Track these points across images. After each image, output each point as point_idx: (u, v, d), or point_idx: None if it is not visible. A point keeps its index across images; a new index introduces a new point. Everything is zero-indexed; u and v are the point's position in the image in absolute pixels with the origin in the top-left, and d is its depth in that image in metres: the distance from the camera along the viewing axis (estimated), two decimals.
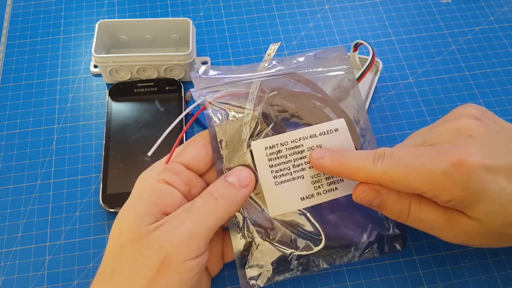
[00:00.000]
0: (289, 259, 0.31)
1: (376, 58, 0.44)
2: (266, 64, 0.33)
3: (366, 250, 0.32)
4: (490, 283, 0.34)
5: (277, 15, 0.50)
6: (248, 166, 0.31)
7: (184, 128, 0.30)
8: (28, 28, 0.50)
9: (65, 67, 0.47)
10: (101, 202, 0.37)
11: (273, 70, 0.32)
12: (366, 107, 0.41)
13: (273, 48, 0.33)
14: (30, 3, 0.51)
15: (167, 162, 0.30)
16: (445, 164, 0.26)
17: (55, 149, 0.41)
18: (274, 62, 0.33)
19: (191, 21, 0.44)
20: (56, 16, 0.50)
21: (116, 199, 0.37)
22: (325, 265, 0.31)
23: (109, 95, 0.43)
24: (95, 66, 0.46)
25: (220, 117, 0.31)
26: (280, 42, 0.33)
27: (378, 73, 0.44)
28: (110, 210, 0.37)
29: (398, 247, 0.33)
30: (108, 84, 0.45)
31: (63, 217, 0.38)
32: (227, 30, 0.49)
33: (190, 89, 0.33)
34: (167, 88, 0.44)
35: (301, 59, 0.34)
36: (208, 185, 0.31)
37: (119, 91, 0.44)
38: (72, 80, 0.46)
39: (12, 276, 0.35)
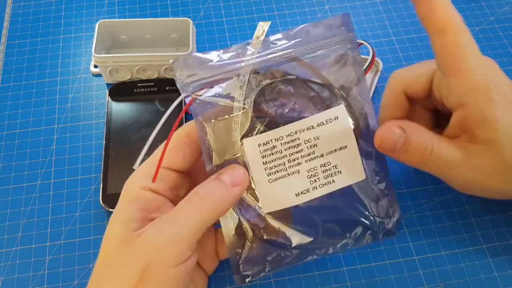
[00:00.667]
0: (282, 255, 0.30)
1: (376, 58, 0.44)
2: (257, 49, 0.29)
3: (360, 237, 0.31)
4: (490, 283, 0.34)
5: (277, 15, 0.50)
6: (241, 164, 0.29)
7: (170, 132, 0.29)
8: (28, 28, 0.50)
9: (65, 67, 0.47)
10: (101, 202, 0.37)
11: (265, 54, 0.29)
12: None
13: (262, 28, 0.30)
14: (30, 3, 0.51)
15: (154, 180, 0.28)
16: (484, 68, 0.28)
17: (55, 149, 0.41)
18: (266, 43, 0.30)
19: (191, 21, 0.44)
20: (56, 16, 0.50)
21: (116, 199, 0.37)
22: (320, 254, 0.31)
23: (109, 95, 0.43)
24: (95, 66, 0.46)
25: (208, 113, 0.29)
26: (270, 22, 0.30)
27: (378, 73, 0.44)
28: (110, 210, 0.37)
29: (392, 232, 0.32)
30: (108, 84, 0.45)
31: (63, 217, 0.38)
32: (227, 30, 0.49)
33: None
34: (167, 88, 0.44)
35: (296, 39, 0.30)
36: (194, 183, 0.31)
37: (119, 91, 0.44)
38: (72, 80, 0.46)
39: (12, 276, 0.35)
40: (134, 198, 0.28)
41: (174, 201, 0.29)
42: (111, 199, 0.37)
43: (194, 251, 0.27)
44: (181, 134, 0.30)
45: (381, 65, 0.44)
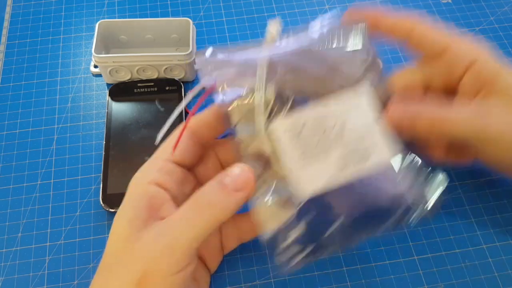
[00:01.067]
0: (320, 238, 0.29)
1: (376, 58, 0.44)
2: (272, 46, 0.29)
3: (396, 220, 0.30)
4: (490, 283, 0.34)
5: (277, 15, 0.50)
6: (265, 154, 0.27)
7: (188, 116, 0.28)
8: (28, 28, 0.50)
9: (65, 67, 0.47)
10: (102, 202, 0.37)
11: (283, 47, 0.30)
12: None
13: (274, 28, 0.29)
14: (30, 3, 0.51)
15: (174, 148, 0.28)
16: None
17: (55, 149, 0.41)
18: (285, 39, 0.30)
19: (191, 21, 0.44)
20: (56, 16, 0.50)
21: (116, 199, 0.37)
22: (361, 238, 0.30)
23: (109, 95, 0.43)
24: (95, 66, 0.46)
25: (230, 101, 0.28)
26: (279, 19, 0.29)
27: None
28: (111, 210, 0.37)
29: (429, 213, 0.30)
30: (108, 84, 0.45)
31: (63, 217, 0.38)
32: (227, 30, 0.49)
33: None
34: (167, 88, 0.44)
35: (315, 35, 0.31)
36: (198, 181, 0.31)
37: (119, 91, 0.44)
38: (72, 80, 0.46)
39: (12, 276, 0.35)
40: (141, 194, 0.27)
41: (179, 198, 0.29)
42: (112, 199, 0.37)
43: (194, 258, 0.26)
44: (182, 128, 0.30)
45: (381, 65, 0.44)
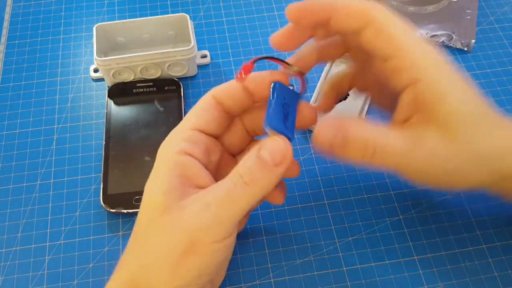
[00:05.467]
0: None
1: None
2: None
3: None
4: (490, 283, 0.34)
5: (277, 15, 0.50)
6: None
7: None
8: (28, 28, 0.50)
9: (65, 67, 0.47)
10: (102, 203, 0.37)
11: None
12: (366, 106, 0.41)
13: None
14: (30, 3, 0.51)
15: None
16: (432, 48, 0.27)
17: (55, 149, 0.41)
18: None
19: (188, 16, 0.44)
20: (56, 16, 0.50)
21: (116, 199, 0.37)
22: None
23: (108, 95, 0.43)
24: (95, 71, 0.46)
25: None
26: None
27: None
28: (111, 210, 0.37)
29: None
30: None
31: (63, 217, 0.38)
32: (227, 30, 0.49)
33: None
34: (166, 88, 0.44)
35: None
36: (225, 148, 0.31)
37: (119, 91, 0.44)
38: (72, 80, 0.46)
39: (12, 276, 0.35)
40: (172, 164, 0.27)
41: (208, 165, 0.29)
42: (112, 200, 0.37)
43: (235, 229, 0.28)
44: (208, 97, 0.30)
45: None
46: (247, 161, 0.26)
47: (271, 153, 0.26)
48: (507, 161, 0.28)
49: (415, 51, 0.26)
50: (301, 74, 0.31)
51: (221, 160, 0.31)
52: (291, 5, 0.28)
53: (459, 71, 0.27)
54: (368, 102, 0.42)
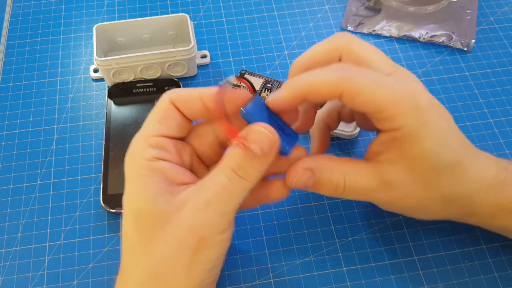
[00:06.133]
0: None
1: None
2: None
3: None
4: (490, 283, 0.34)
5: (277, 15, 0.50)
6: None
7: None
8: (28, 28, 0.50)
9: (65, 67, 0.47)
10: (102, 203, 0.37)
11: None
12: None
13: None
14: (30, 3, 0.51)
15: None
16: (409, 90, 0.27)
17: (55, 149, 0.41)
18: None
19: (188, 16, 0.44)
20: (56, 16, 0.50)
21: (116, 199, 0.37)
22: None
23: (108, 95, 0.43)
24: (95, 71, 0.46)
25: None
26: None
27: None
28: (111, 210, 0.37)
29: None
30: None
31: (63, 217, 0.38)
32: (227, 30, 0.49)
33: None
34: (166, 88, 0.44)
35: None
36: (192, 146, 0.30)
37: (118, 91, 0.44)
38: (72, 80, 0.46)
39: (12, 276, 0.35)
40: (147, 171, 0.27)
41: (182, 165, 0.29)
42: (112, 200, 0.37)
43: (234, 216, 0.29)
44: (166, 102, 0.29)
45: None
46: (235, 156, 0.27)
47: (259, 144, 0.26)
48: (476, 201, 0.30)
49: (395, 103, 0.27)
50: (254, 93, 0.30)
51: (193, 161, 0.31)
52: (276, 98, 0.29)
53: (442, 112, 0.29)
54: None
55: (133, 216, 0.28)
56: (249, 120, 0.27)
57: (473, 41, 0.47)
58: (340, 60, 0.30)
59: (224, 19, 0.50)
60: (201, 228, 0.27)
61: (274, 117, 0.29)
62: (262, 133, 0.27)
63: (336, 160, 0.30)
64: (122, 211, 0.37)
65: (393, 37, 0.48)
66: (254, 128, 0.27)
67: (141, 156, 0.28)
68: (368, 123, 0.31)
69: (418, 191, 0.29)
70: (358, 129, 0.40)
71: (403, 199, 0.29)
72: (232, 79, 0.29)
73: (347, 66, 0.28)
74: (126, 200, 0.28)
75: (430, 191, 0.29)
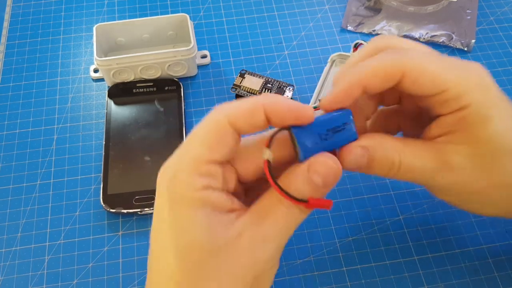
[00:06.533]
0: None
1: None
2: None
3: None
4: (490, 283, 0.34)
5: (277, 15, 0.50)
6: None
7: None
8: (28, 28, 0.50)
9: (65, 67, 0.47)
10: (102, 203, 0.37)
11: None
12: None
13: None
14: (30, 3, 0.51)
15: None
16: (475, 68, 0.26)
17: (55, 149, 0.41)
18: None
19: (188, 16, 0.44)
20: (56, 16, 0.51)
21: (116, 199, 0.37)
22: None
23: (108, 95, 0.43)
24: (95, 71, 0.46)
25: None
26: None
27: None
28: (111, 210, 0.37)
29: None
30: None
31: (63, 217, 0.38)
32: (227, 30, 0.49)
33: None
34: (166, 88, 0.44)
35: None
36: (237, 171, 0.28)
37: (119, 91, 0.44)
38: (72, 80, 0.46)
39: (11, 276, 0.35)
40: (197, 202, 0.25)
41: (228, 191, 0.27)
42: (112, 200, 0.37)
43: None
44: (223, 123, 0.25)
45: None
46: (298, 184, 0.25)
47: (324, 177, 0.25)
48: None
49: (462, 79, 0.26)
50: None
51: (236, 181, 0.28)
52: (332, 96, 0.26)
53: (503, 93, 0.27)
54: None
55: (179, 250, 0.25)
56: (301, 145, 0.25)
57: (473, 41, 0.47)
58: None
59: (224, 19, 0.50)
60: (257, 265, 0.25)
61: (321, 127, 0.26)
62: (328, 166, 0.25)
63: (391, 138, 0.28)
64: (123, 210, 0.37)
65: None
66: (319, 159, 0.25)
67: (189, 185, 0.25)
68: (415, 122, 0.29)
69: (481, 175, 0.26)
70: None
71: (464, 184, 0.27)
72: (267, 154, 0.26)
73: (403, 49, 0.27)
74: (170, 232, 0.25)
75: (495, 177, 0.26)
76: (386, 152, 0.27)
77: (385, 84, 0.26)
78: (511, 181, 0.27)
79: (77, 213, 0.38)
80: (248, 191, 0.30)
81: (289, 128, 0.26)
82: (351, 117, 0.26)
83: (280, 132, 0.26)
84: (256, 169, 0.27)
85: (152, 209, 0.36)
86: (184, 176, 0.25)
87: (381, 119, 0.32)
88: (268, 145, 0.25)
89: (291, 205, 0.25)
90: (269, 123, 0.26)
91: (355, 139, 0.26)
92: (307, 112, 0.25)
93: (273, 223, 0.25)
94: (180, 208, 0.25)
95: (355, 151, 0.26)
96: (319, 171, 0.25)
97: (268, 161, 0.25)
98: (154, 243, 0.26)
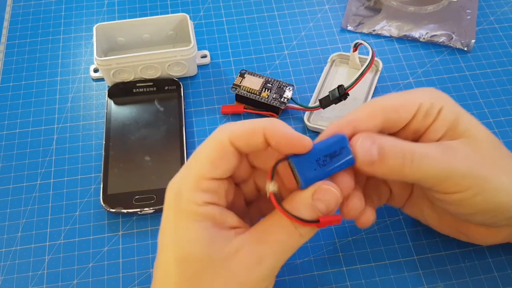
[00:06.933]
0: None
1: (376, 58, 0.44)
2: None
3: None
4: (490, 283, 0.34)
5: (277, 15, 0.50)
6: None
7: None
8: (28, 28, 0.50)
9: (65, 67, 0.47)
10: (102, 203, 0.37)
11: None
12: None
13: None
14: (30, 3, 0.51)
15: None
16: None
17: (55, 149, 0.41)
18: None
19: (188, 16, 0.44)
20: (56, 16, 0.51)
21: (116, 199, 0.37)
22: None
23: (108, 95, 0.43)
24: (95, 71, 0.46)
25: None
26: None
27: (378, 73, 0.44)
28: (111, 210, 0.37)
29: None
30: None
31: (63, 217, 0.38)
32: (227, 30, 0.49)
33: None
34: (166, 87, 0.44)
35: None
36: (237, 184, 0.29)
37: (119, 91, 0.44)
38: (72, 80, 0.46)
39: (11, 276, 0.35)
40: (198, 216, 0.26)
41: (226, 207, 0.28)
42: (112, 199, 0.37)
43: None
44: (225, 143, 0.27)
45: (381, 65, 0.44)
46: (302, 210, 0.26)
47: (327, 204, 0.26)
48: None
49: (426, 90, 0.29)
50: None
51: (236, 197, 0.30)
52: (353, 117, 0.29)
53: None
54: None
55: (179, 260, 0.26)
56: (301, 174, 0.26)
57: (473, 41, 0.47)
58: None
59: (224, 19, 0.50)
60: (252, 282, 0.26)
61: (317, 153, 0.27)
62: (331, 194, 0.26)
63: (394, 137, 0.28)
64: (123, 210, 0.37)
65: (393, 37, 0.48)
66: (322, 187, 0.26)
67: (191, 200, 0.26)
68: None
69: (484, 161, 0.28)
70: None
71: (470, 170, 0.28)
72: (272, 186, 0.26)
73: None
74: (172, 243, 0.26)
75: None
76: (395, 143, 0.27)
77: (408, 114, 0.29)
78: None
79: (77, 213, 0.38)
80: (251, 205, 0.32)
81: (287, 158, 0.27)
82: (347, 141, 0.27)
83: (281, 163, 0.27)
84: (246, 173, 0.29)
85: (152, 209, 0.37)
86: (187, 192, 0.26)
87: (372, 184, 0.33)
88: (271, 177, 0.26)
89: (292, 230, 0.26)
90: (268, 145, 0.27)
91: (353, 164, 0.27)
92: (304, 142, 0.26)
93: (272, 244, 0.26)
94: (182, 221, 0.26)
95: (365, 142, 0.27)
96: (322, 199, 0.26)
97: (274, 193, 0.26)
98: (159, 253, 0.27)
